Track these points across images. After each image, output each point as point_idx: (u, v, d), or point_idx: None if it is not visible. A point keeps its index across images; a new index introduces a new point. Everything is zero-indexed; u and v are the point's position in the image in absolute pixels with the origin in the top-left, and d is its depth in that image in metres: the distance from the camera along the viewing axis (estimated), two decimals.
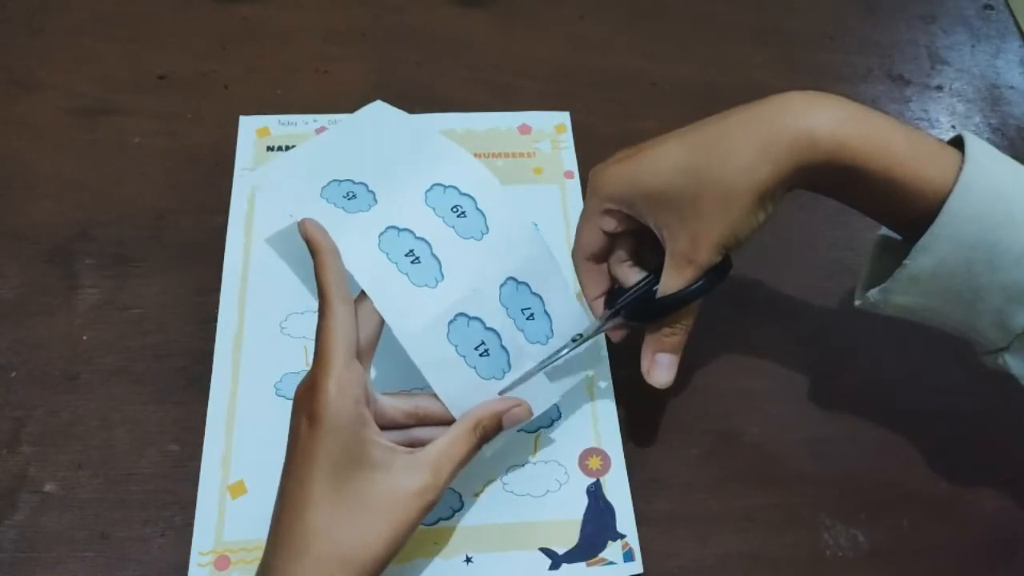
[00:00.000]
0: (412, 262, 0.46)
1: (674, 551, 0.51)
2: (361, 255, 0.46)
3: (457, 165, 0.50)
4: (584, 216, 0.49)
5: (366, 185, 0.50)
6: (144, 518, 0.50)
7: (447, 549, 0.50)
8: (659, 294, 0.47)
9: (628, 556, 0.50)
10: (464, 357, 0.46)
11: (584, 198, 0.49)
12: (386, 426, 0.45)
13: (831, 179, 0.43)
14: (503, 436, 0.47)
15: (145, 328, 0.56)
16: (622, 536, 0.51)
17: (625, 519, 0.51)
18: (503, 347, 0.47)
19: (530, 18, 0.75)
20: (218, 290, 0.57)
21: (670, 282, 0.46)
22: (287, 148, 0.64)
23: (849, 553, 0.52)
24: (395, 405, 0.45)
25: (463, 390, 0.46)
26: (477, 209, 0.48)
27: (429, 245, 0.47)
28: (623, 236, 0.49)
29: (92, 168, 0.63)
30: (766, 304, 0.61)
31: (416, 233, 0.47)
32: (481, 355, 0.46)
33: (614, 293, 0.51)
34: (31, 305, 0.57)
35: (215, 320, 0.56)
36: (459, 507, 0.51)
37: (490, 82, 0.70)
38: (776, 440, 0.55)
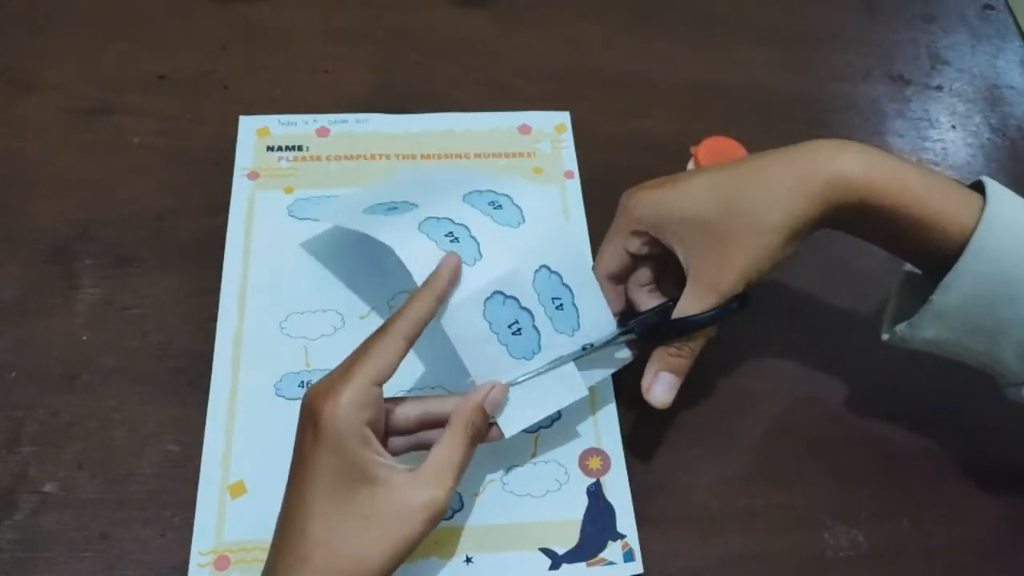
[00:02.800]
0: (451, 241, 0.47)
1: (674, 551, 0.51)
2: (401, 234, 0.47)
3: (494, 177, 0.52)
4: (610, 235, 0.50)
5: (408, 201, 0.52)
6: (144, 518, 0.50)
7: (447, 549, 0.50)
8: (674, 315, 0.47)
9: (628, 556, 0.50)
10: (497, 335, 0.47)
11: (615, 219, 0.50)
12: (397, 432, 0.46)
13: (861, 217, 0.45)
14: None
15: (145, 328, 0.56)
16: (622, 536, 0.51)
17: (625, 519, 0.51)
18: (535, 327, 0.48)
19: (530, 18, 0.75)
20: (218, 290, 0.57)
21: (687, 305, 0.47)
22: (287, 148, 0.64)
23: (849, 553, 0.52)
24: (406, 413, 0.46)
25: (492, 368, 0.47)
26: (514, 204, 0.50)
27: (467, 228, 0.48)
28: (644, 261, 0.51)
29: (92, 168, 0.63)
30: (766, 304, 0.61)
31: (455, 220, 0.48)
32: (514, 334, 0.47)
33: (627, 316, 0.51)
34: (31, 305, 0.57)
35: (215, 320, 0.56)
36: (459, 507, 0.51)
37: (490, 82, 0.70)
38: (776, 440, 0.55)
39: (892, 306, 0.50)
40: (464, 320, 0.46)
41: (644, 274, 0.51)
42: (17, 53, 0.69)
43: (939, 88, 0.75)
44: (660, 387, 0.48)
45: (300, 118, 0.66)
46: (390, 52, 0.71)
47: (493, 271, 0.47)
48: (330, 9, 0.74)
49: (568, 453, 0.53)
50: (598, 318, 0.50)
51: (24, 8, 0.71)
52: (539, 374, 0.48)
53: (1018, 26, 0.79)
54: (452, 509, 0.51)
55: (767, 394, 0.57)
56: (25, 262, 0.58)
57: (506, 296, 0.47)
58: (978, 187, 0.45)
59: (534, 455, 0.53)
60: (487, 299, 0.46)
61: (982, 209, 0.43)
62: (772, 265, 0.46)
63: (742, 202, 0.46)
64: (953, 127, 0.72)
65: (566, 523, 0.51)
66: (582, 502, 0.52)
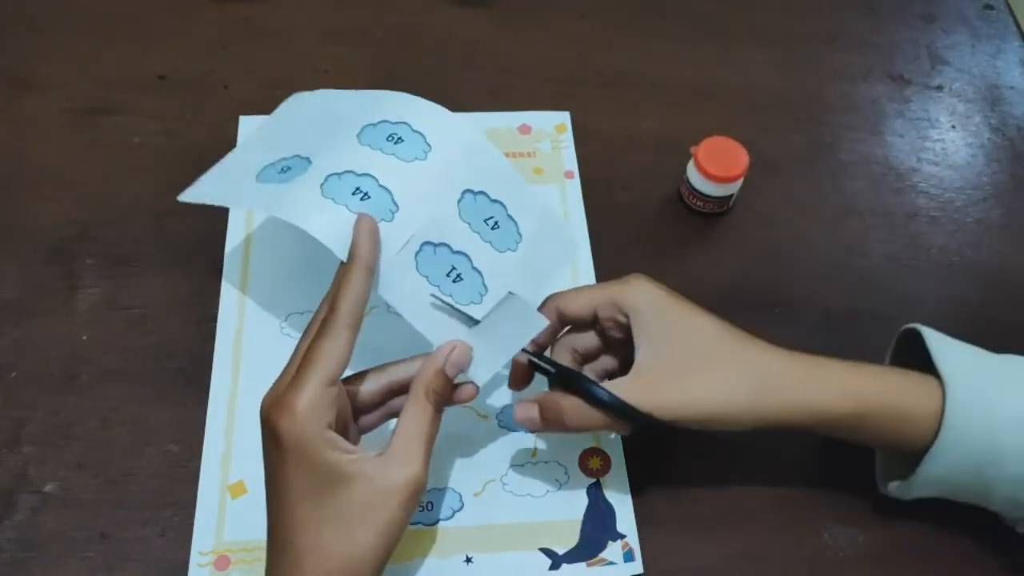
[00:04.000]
0: (361, 199, 0.44)
1: (674, 551, 0.51)
2: (304, 206, 0.44)
3: (388, 102, 0.48)
4: (594, 288, 0.49)
5: (299, 155, 0.48)
6: (144, 518, 0.50)
7: (447, 549, 0.50)
8: (606, 382, 0.46)
9: (628, 556, 0.50)
10: (438, 287, 0.45)
11: (611, 281, 0.48)
12: (365, 410, 0.46)
13: (846, 427, 0.47)
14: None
15: (145, 328, 0.56)
16: (622, 536, 0.51)
17: (625, 519, 0.51)
18: (475, 268, 0.46)
19: (530, 18, 0.75)
20: (218, 290, 0.57)
21: (621, 385, 0.45)
22: None
23: (849, 553, 0.52)
24: (369, 390, 0.45)
25: (443, 321, 0.45)
26: (414, 131, 0.47)
27: (374, 178, 0.45)
28: (595, 333, 0.50)
29: (92, 168, 0.63)
30: (766, 304, 0.61)
31: (357, 171, 0.45)
32: (454, 281, 0.45)
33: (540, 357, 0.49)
34: (31, 305, 0.57)
35: (215, 320, 0.56)
36: (459, 507, 0.51)
37: (490, 82, 0.70)
38: (776, 440, 0.55)
39: (880, 466, 0.52)
40: (400, 282, 0.44)
41: (584, 341, 0.50)
42: (17, 53, 0.69)
43: (939, 88, 0.74)
44: (527, 417, 0.47)
45: None
46: (390, 52, 0.71)
47: (415, 219, 0.44)
48: (330, 9, 0.74)
49: (568, 453, 0.53)
50: (538, 218, 0.48)
51: (24, 8, 0.71)
52: (493, 315, 0.46)
53: (1018, 26, 0.79)
54: (452, 509, 0.51)
55: None
56: (25, 262, 0.58)
57: (435, 245, 0.45)
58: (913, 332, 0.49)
59: (534, 455, 0.53)
60: (417, 253, 0.44)
61: (941, 389, 0.45)
62: (712, 416, 0.45)
63: (744, 354, 0.46)
64: (953, 127, 0.72)
65: (566, 523, 0.51)
66: (582, 502, 0.52)
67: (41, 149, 0.64)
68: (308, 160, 0.47)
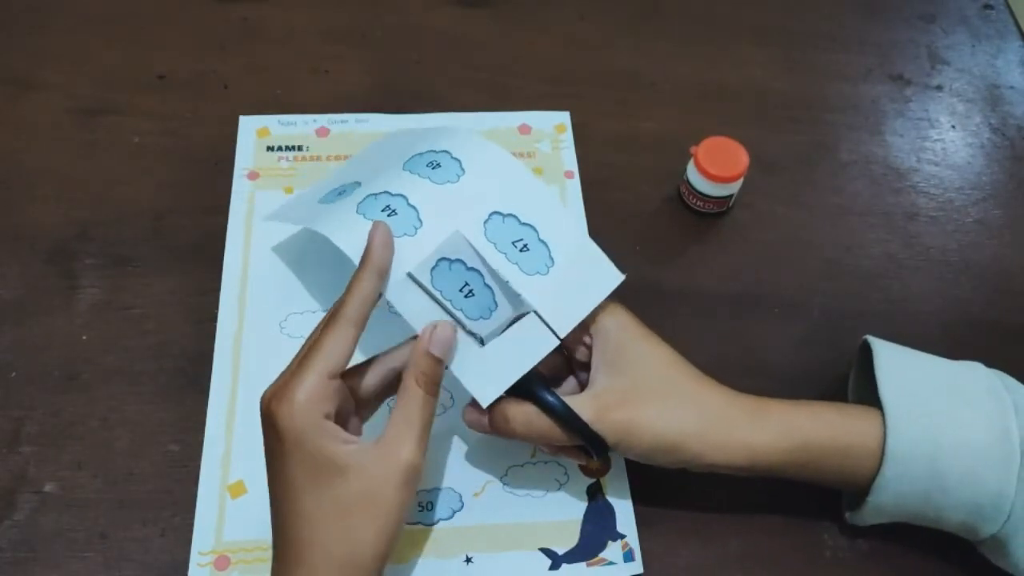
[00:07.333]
0: (388, 215, 0.46)
1: (674, 551, 0.51)
2: (338, 220, 0.46)
3: (445, 135, 0.50)
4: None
5: (356, 181, 0.51)
6: (144, 518, 0.50)
7: (447, 549, 0.50)
8: (559, 390, 0.46)
9: (628, 556, 0.50)
10: (450, 300, 0.46)
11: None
12: (367, 405, 0.46)
13: (790, 464, 0.47)
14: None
15: (145, 328, 0.56)
16: (622, 536, 0.51)
17: (625, 519, 0.51)
18: (487, 285, 0.47)
19: (530, 18, 0.75)
20: (218, 290, 0.57)
21: (572, 399, 0.46)
22: (287, 148, 0.64)
23: (848, 553, 0.52)
24: (370, 384, 0.45)
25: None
26: (452, 159, 0.48)
27: (404, 197, 0.47)
28: (559, 355, 0.49)
29: (92, 168, 0.63)
30: (766, 304, 0.61)
31: (392, 191, 0.47)
32: (466, 296, 0.46)
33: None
34: (31, 305, 0.57)
35: (215, 320, 0.56)
36: (459, 507, 0.51)
37: (490, 82, 0.70)
38: None
39: (845, 493, 0.52)
40: (414, 296, 0.45)
41: (549, 359, 0.49)
42: (17, 53, 0.69)
43: (939, 88, 0.74)
44: (475, 419, 0.47)
45: (300, 118, 0.66)
46: (390, 52, 0.71)
47: (437, 235, 0.46)
48: (330, 9, 0.74)
49: None
50: (574, 244, 0.49)
51: (24, 8, 0.71)
52: (503, 331, 0.46)
53: (1018, 26, 0.79)
54: (452, 509, 0.51)
55: (766, 394, 0.57)
56: (25, 262, 0.58)
57: (451, 261, 0.46)
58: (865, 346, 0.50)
59: (534, 455, 0.53)
60: (433, 268, 0.45)
61: (884, 423, 0.46)
62: (653, 444, 0.46)
63: (692, 390, 0.47)
64: (953, 127, 0.72)
65: (566, 523, 0.51)
66: (582, 502, 0.52)
67: (41, 149, 0.64)
68: (359, 184, 0.50)
